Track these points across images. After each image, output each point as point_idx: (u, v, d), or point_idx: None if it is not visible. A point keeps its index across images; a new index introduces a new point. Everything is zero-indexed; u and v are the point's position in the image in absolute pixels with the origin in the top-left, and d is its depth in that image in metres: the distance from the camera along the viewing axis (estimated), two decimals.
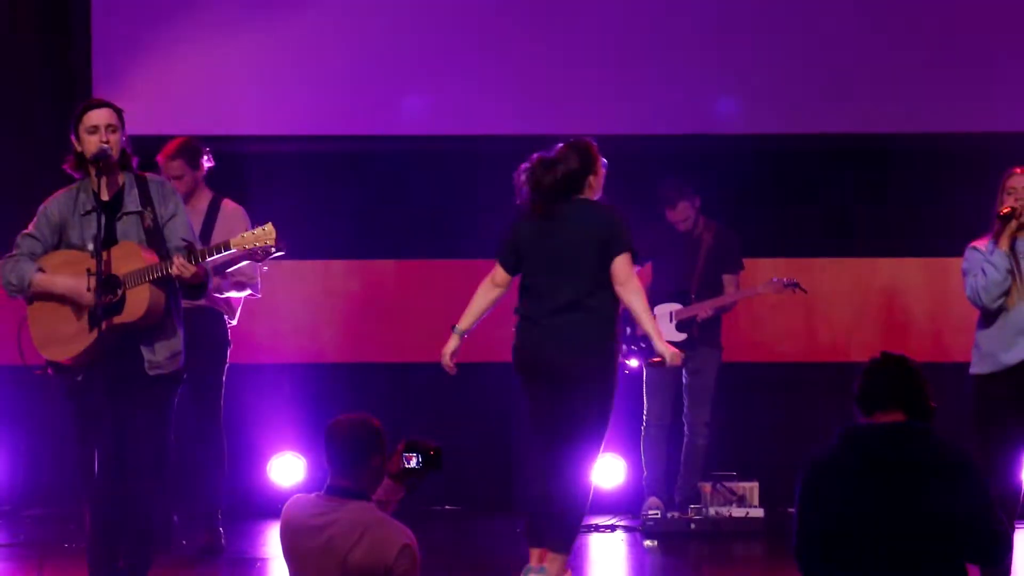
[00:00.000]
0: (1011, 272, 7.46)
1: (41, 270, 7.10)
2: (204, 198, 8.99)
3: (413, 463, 5.61)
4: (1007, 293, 7.46)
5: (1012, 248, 7.50)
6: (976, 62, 10.10)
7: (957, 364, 8.95)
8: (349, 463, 5.48)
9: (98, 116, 7.08)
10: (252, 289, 8.88)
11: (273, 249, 7.19)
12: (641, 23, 10.14)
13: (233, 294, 8.88)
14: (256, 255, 7.23)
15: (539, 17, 10.18)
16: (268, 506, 10.08)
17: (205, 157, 8.99)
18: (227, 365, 9.01)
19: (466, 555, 9.16)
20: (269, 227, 7.17)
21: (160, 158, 8.92)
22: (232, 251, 7.16)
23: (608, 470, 9.94)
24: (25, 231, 7.20)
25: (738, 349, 9.96)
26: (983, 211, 7.73)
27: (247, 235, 7.17)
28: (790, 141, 10.24)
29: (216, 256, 7.12)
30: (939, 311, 10.06)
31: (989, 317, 7.53)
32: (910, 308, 10.19)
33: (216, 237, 8.73)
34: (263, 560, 9.07)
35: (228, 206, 9.00)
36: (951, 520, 5.11)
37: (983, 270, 7.44)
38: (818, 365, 10.07)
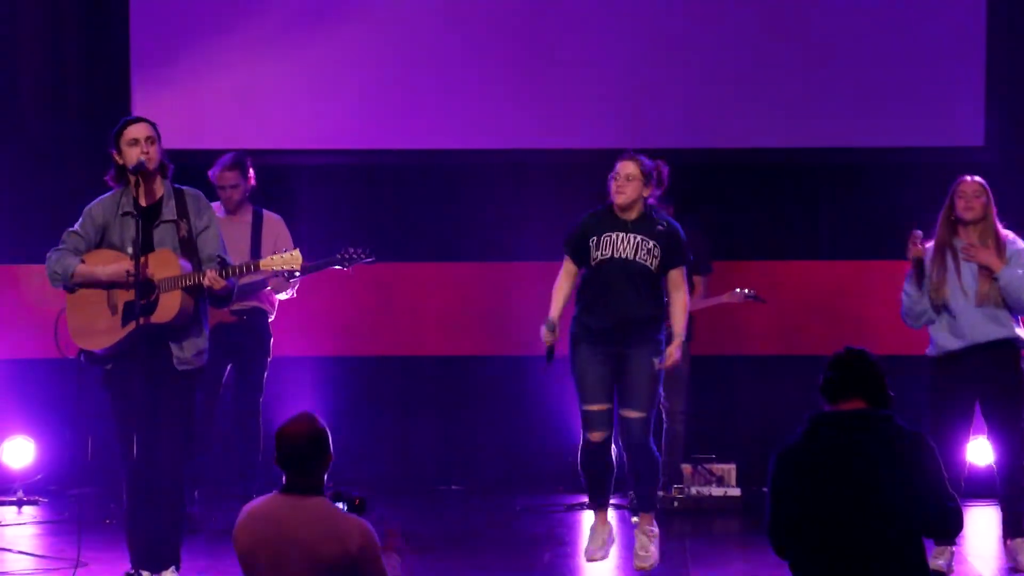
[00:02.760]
0: (922, 296, 7.79)
1: (83, 262, 7.13)
2: (248, 211, 9.05)
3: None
4: (924, 313, 7.81)
5: (951, 251, 7.73)
6: (927, 83, 10.09)
7: (915, 357, 8.97)
8: (304, 461, 5.28)
9: (138, 130, 7.12)
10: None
11: (297, 272, 7.22)
12: (619, 54, 10.13)
13: (283, 296, 8.96)
14: (282, 275, 7.27)
15: (536, 48, 10.16)
16: None
17: (252, 171, 9.04)
18: (270, 357, 9.03)
19: (469, 530, 9.15)
20: (296, 252, 7.20)
21: (215, 170, 8.98)
22: (260, 271, 7.24)
23: None
24: (70, 228, 7.23)
25: (720, 344, 9.94)
26: (933, 217, 7.86)
27: (275, 257, 7.21)
28: (762, 155, 10.23)
29: (244, 275, 7.16)
30: (897, 308, 10.03)
31: (939, 309, 7.77)
32: (874, 305, 10.15)
33: (264, 243, 8.88)
34: None
35: (270, 217, 9.07)
36: (909, 498, 5.11)
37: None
38: (789, 358, 10.06)
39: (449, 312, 10.32)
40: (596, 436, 7.63)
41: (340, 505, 5.38)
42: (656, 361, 7.58)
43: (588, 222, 7.71)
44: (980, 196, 7.73)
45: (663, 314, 7.69)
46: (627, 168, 7.67)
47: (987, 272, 7.66)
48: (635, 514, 8.34)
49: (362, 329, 10.39)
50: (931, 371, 7.80)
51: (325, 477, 5.34)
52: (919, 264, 7.77)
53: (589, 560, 7.73)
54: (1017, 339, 7.74)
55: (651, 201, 7.73)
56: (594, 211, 7.74)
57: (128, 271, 6.95)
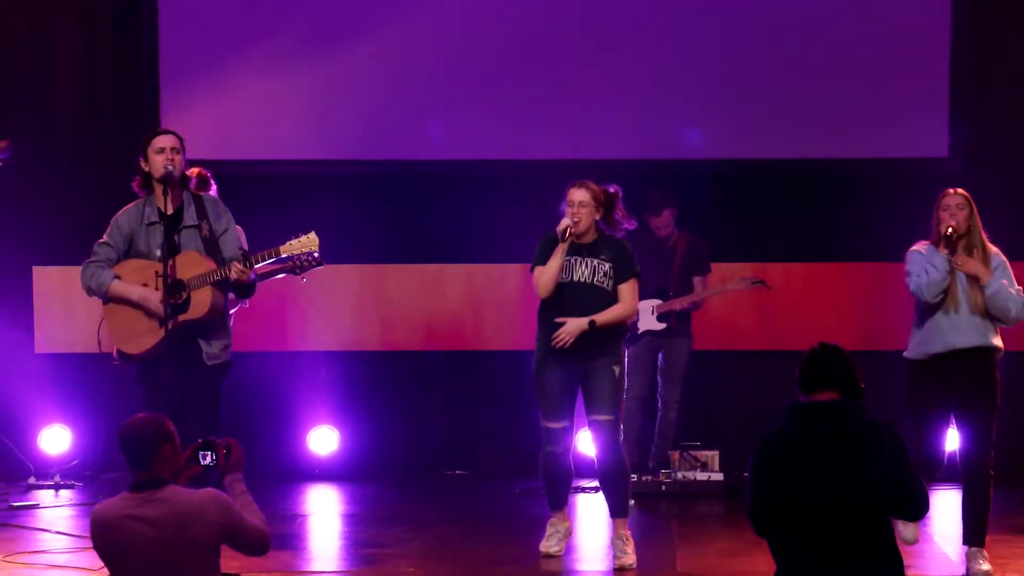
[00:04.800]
0: (949, 273, 7.49)
1: (117, 277, 7.21)
2: None
3: (208, 460, 5.27)
4: (945, 292, 7.50)
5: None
6: (892, 95, 10.10)
7: (884, 352, 9.01)
8: (148, 457, 5.04)
9: (164, 140, 7.22)
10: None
11: (316, 254, 7.26)
12: (622, 70, 10.14)
13: None
14: (301, 259, 7.30)
15: (537, 64, 10.17)
16: (308, 471, 10.17)
17: (213, 183, 8.94)
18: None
19: (472, 512, 9.19)
20: (312, 235, 7.27)
21: None
22: (282, 256, 7.25)
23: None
24: (100, 240, 7.29)
25: (706, 339, 9.99)
26: (916, 223, 7.82)
27: (294, 242, 7.26)
28: (749, 165, 10.26)
29: (267, 261, 7.21)
30: (874, 307, 10.06)
31: (924, 315, 7.55)
32: (851, 304, 10.19)
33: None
34: (303, 516, 9.12)
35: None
36: (878, 481, 5.16)
37: (926, 271, 7.48)
38: (769, 353, 10.07)
39: (454, 311, 10.35)
40: (555, 449, 7.68)
41: (208, 455, 5.26)
42: (616, 370, 7.63)
43: (549, 244, 7.66)
44: (963, 208, 7.53)
45: (619, 333, 7.68)
46: (578, 195, 7.61)
47: (976, 282, 7.49)
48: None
49: (372, 326, 10.42)
50: (910, 373, 7.50)
51: (169, 466, 5.12)
52: (950, 238, 7.45)
53: (544, 554, 7.73)
54: (993, 346, 7.55)
55: (602, 224, 7.68)
56: (552, 234, 7.66)
57: (158, 299, 7.07)
